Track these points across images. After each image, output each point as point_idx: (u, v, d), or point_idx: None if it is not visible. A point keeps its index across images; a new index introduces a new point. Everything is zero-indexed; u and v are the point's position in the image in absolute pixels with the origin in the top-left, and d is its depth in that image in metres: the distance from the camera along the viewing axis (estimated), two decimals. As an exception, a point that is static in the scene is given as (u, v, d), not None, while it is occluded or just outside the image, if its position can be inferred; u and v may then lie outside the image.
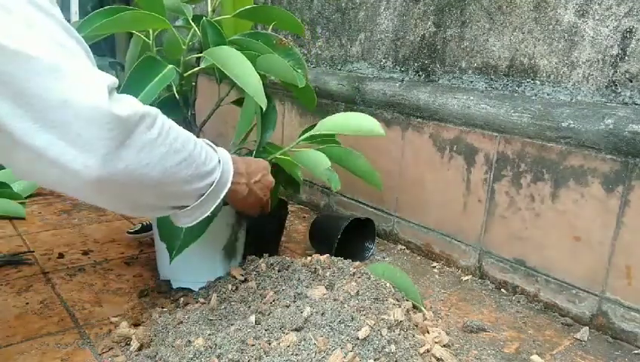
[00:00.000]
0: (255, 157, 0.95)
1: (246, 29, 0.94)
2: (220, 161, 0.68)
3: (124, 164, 0.52)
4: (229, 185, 0.69)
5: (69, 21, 0.53)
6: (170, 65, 0.78)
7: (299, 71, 0.88)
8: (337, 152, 0.94)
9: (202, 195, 0.66)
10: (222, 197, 0.69)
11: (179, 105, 0.88)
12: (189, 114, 0.89)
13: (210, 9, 0.88)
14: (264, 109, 0.79)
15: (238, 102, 1.00)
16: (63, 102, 0.47)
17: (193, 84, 0.89)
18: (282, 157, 0.90)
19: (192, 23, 0.87)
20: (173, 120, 0.61)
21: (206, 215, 0.68)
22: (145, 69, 0.77)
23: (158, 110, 0.58)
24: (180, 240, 0.81)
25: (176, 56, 0.89)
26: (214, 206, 0.68)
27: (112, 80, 0.52)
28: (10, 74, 0.46)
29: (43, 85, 0.47)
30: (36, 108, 0.47)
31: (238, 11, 0.87)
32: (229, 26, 0.93)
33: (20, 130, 0.47)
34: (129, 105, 0.52)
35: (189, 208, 0.66)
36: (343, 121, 0.87)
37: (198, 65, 0.86)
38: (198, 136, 0.71)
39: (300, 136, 0.92)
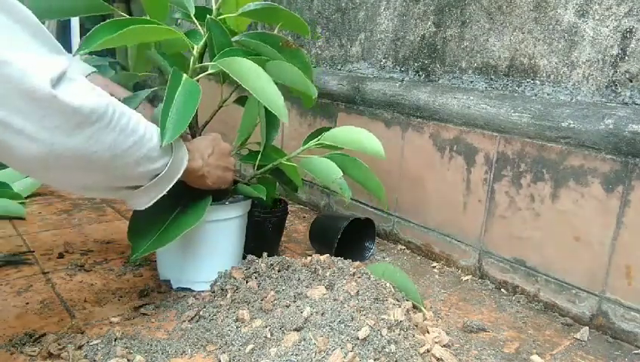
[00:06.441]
0: (260, 160, 0.95)
1: (245, 24, 0.93)
2: (172, 145, 0.71)
3: (71, 150, 0.56)
4: (185, 163, 0.73)
5: (69, 35, 0.54)
6: (185, 76, 0.77)
7: (303, 73, 0.86)
8: (343, 161, 0.92)
9: (157, 175, 0.69)
10: (178, 176, 0.72)
11: None
12: None
13: (215, 6, 0.87)
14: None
15: (240, 101, 1.00)
16: (9, 89, 0.50)
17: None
18: (287, 163, 0.90)
19: (196, 21, 0.85)
20: None
21: (162, 194, 0.72)
22: (171, 85, 0.75)
23: (110, 97, 0.60)
24: (149, 242, 0.79)
25: (175, 50, 0.89)
26: (170, 185, 0.72)
27: (61, 67, 0.54)
28: None
29: None
30: None
31: (244, 11, 0.85)
32: (230, 21, 0.92)
33: None
34: (79, 94, 0.55)
35: (142, 188, 0.69)
36: (348, 138, 0.87)
37: (204, 69, 0.85)
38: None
39: (304, 144, 0.92)
